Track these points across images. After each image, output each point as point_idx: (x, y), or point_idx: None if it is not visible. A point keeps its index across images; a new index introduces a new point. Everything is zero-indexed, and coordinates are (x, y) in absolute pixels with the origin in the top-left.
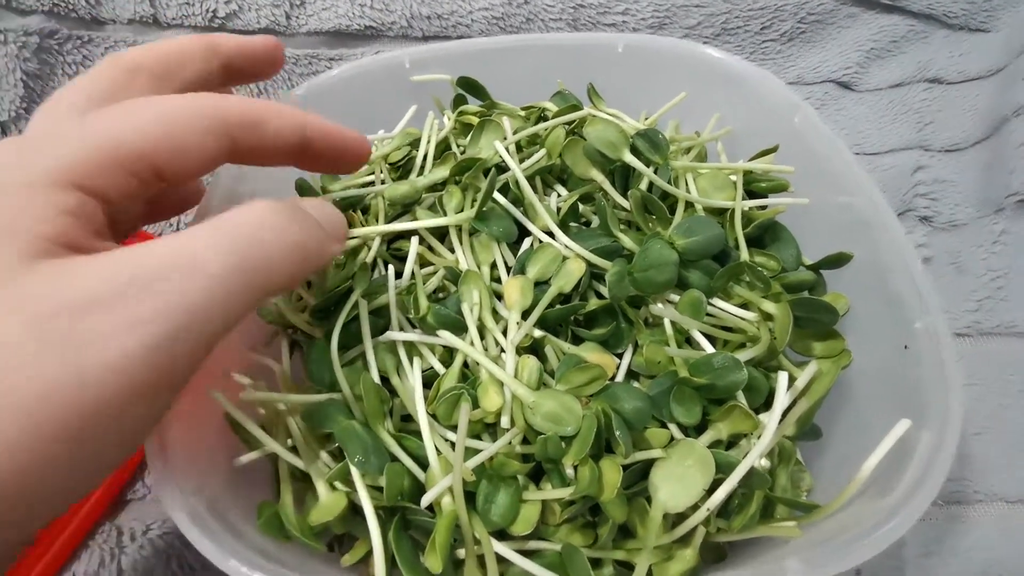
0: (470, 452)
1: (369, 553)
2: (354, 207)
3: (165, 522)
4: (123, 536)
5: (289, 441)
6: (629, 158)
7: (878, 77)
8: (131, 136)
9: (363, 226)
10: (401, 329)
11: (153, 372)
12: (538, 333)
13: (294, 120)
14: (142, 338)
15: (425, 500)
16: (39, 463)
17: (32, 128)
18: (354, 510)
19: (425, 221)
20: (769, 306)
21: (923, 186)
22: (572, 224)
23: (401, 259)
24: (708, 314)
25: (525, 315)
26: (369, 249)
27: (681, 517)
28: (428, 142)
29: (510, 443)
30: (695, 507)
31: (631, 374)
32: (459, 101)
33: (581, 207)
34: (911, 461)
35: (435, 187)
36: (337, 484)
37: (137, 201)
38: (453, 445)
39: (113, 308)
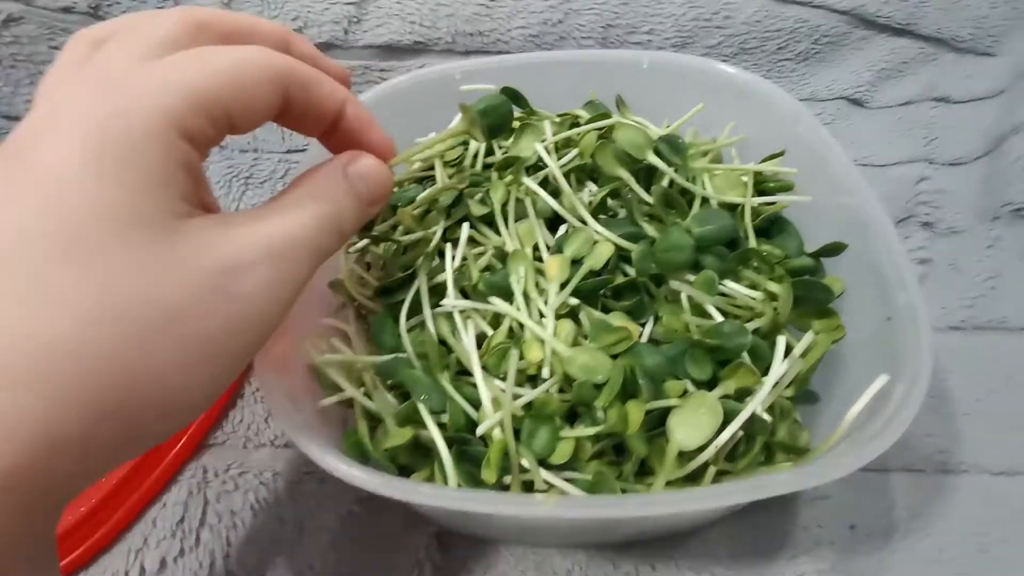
0: (515, 397)
1: (429, 478)
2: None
3: (243, 463)
4: (207, 473)
5: (362, 389)
6: (653, 159)
7: (888, 95)
8: (209, 81)
9: (415, 222)
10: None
11: (274, 320)
12: (573, 301)
13: (338, 93)
14: (277, 296)
15: (480, 430)
16: (213, 380)
17: (98, 69)
18: (415, 447)
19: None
20: (773, 286)
21: (926, 195)
22: (601, 216)
23: (456, 244)
24: (720, 294)
25: (563, 287)
26: (430, 241)
27: (693, 459)
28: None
29: (548, 391)
30: (705, 448)
31: (652, 342)
32: None
33: (609, 202)
34: (886, 406)
35: (482, 183)
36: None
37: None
38: (502, 391)
39: (259, 271)
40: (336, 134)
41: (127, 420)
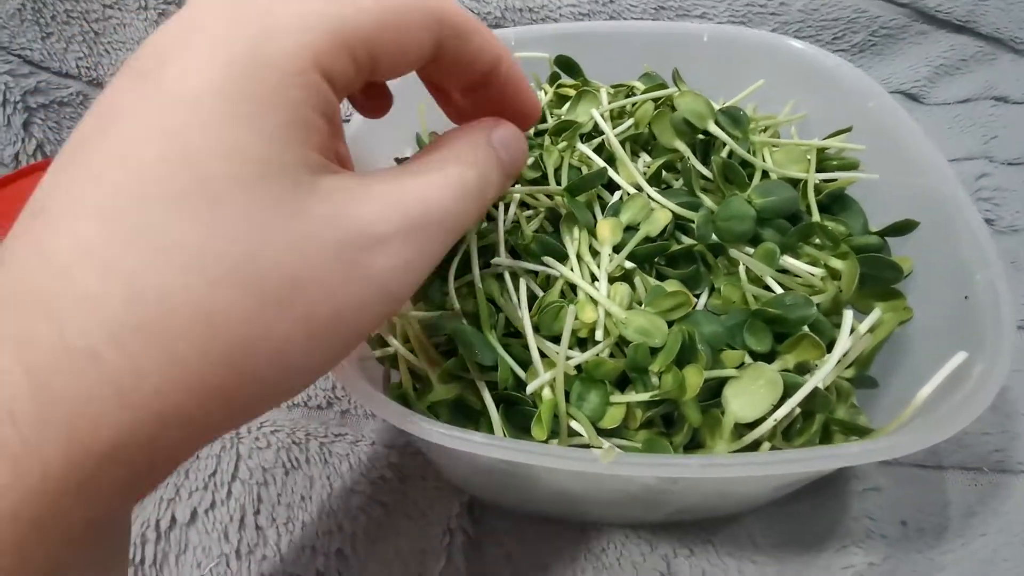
0: (567, 357)
1: None
2: None
3: (276, 422)
4: (240, 429)
5: (407, 345)
6: (714, 128)
7: (946, 92)
8: (359, 18)
9: None
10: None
11: (403, 298)
12: (629, 265)
13: (495, 46)
14: (409, 277)
15: (530, 388)
16: (329, 359)
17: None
18: (457, 406)
19: (528, 188)
20: (836, 263)
21: (986, 191)
22: (655, 188)
23: (507, 206)
24: (780, 269)
25: (617, 250)
26: None
27: (748, 433)
28: None
29: (598, 355)
30: (762, 422)
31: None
32: (554, 78)
33: (664, 174)
34: (962, 385)
35: (534, 148)
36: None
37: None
38: (556, 352)
39: (394, 247)
40: (481, 91)
41: (235, 396)
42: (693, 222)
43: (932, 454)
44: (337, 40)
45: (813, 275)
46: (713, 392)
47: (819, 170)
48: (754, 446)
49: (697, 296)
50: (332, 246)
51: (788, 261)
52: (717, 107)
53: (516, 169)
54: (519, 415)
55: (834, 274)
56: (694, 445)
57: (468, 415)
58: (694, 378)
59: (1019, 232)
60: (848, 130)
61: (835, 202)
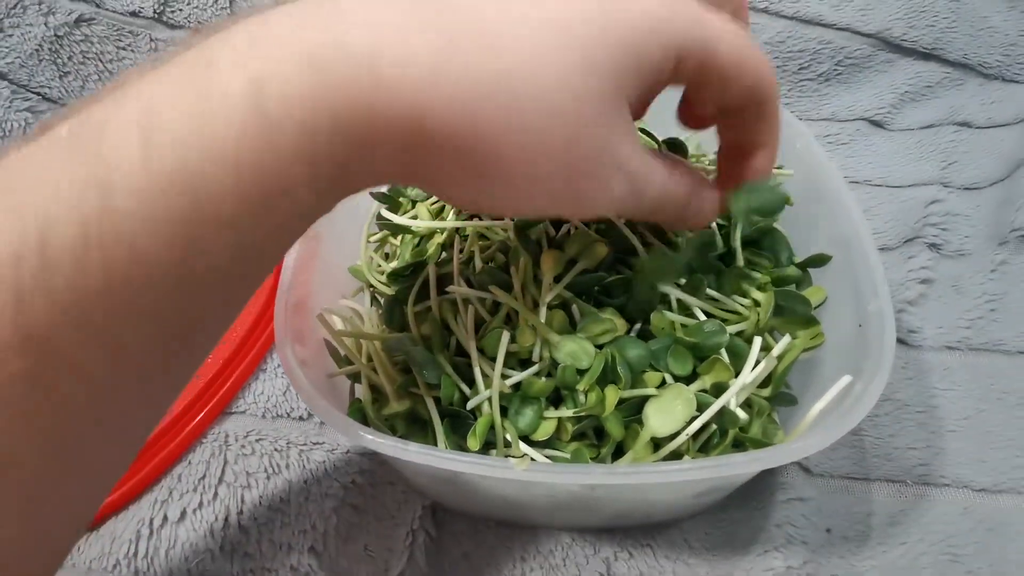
0: (506, 377)
1: None
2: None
3: (260, 432)
4: (229, 438)
5: (370, 363)
6: None
7: (910, 118)
8: (709, 42)
9: (434, 216)
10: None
11: (592, 214)
12: (567, 294)
13: (767, 159)
14: (609, 205)
15: (471, 404)
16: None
17: None
18: (412, 419)
19: (484, 223)
20: (758, 295)
21: (935, 216)
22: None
23: (464, 238)
24: (712, 299)
25: (558, 280)
26: (442, 233)
27: (665, 446)
28: None
29: (536, 374)
30: (677, 436)
31: (641, 338)
32: None
33: None
34: (844, 401)
35: None
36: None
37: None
38: (491, 372)
39: (624, 183)
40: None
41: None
42: (633, 253)
43: (860, 467)
44: (692, 46)
45: (744, 305)
46: (638, 408)
47: None
48: (674, 457)
49: (632, 323)
50: (610, 149)
51: (714, 293)
52: (662, 139)
53: (686, 225)
54: (464, 427)
55: (758, 303)
56: (621, 456)
57: (422, 427)
58: (612, 396)
59: (965, 256)
60: (779, 168)
61: (765, 235)
